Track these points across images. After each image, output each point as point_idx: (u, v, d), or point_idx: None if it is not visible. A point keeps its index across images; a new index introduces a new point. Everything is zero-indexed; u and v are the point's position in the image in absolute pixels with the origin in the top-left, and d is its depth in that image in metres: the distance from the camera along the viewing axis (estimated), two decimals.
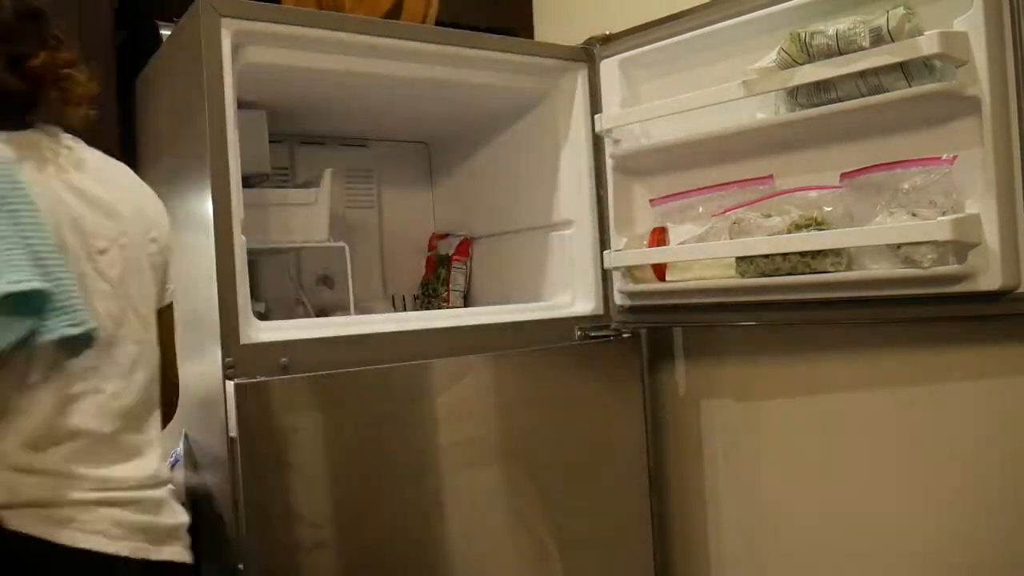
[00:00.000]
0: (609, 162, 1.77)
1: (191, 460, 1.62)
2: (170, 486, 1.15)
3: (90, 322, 0.94)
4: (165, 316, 1.22)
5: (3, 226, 0.89)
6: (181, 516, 1.14)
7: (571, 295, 1.84)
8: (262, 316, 1.52)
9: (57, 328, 0.90)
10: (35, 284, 0.87)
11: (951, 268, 1.27)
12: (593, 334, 1.78)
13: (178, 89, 1.54)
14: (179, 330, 1.62)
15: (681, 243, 1.67)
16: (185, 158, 1.50)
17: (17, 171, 0.96)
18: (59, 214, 1.01)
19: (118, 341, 1.07)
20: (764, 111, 1.53)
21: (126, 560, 1.00)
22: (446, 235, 2.21)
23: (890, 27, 1.29)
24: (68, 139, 1.11)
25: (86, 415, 1.01)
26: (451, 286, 2.11)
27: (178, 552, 1.11)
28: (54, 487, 0.97)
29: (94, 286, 1.04)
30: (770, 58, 1.44)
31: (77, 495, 0.98)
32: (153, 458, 1.11)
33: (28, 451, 0.96)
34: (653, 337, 1.94)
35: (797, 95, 1.46)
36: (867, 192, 1.40)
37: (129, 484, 1.05)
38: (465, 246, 2.15)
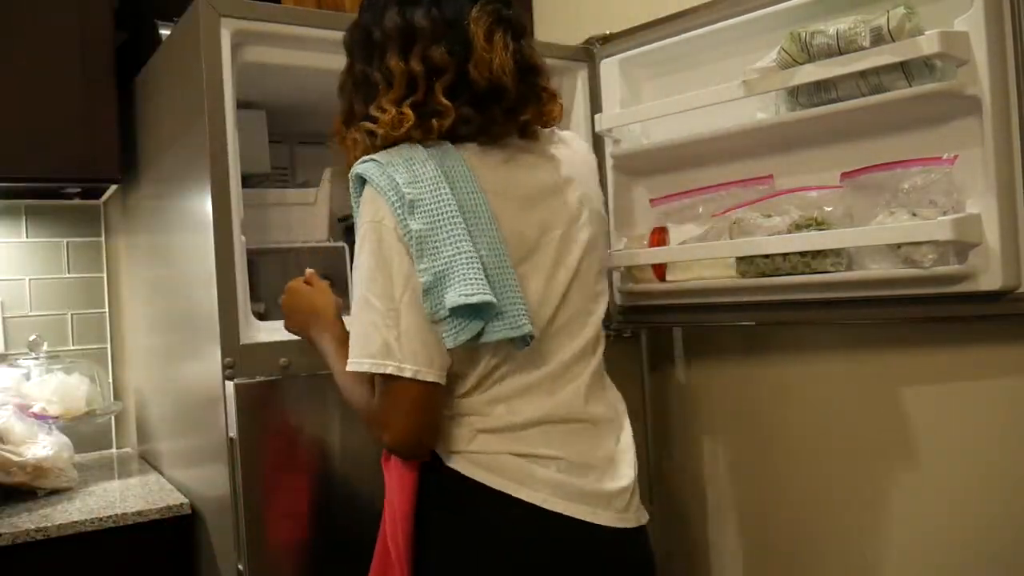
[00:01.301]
0: (609, 162, 1.77)
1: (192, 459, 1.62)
2: None
3: (526, 326, 1.08)
4: None
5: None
6: None
7: None
8: (262, 316, 1.52)
9: (498, 331, 1.07)
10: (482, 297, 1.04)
11: (952, 268, 1.26)
12: None
13: (178, 89, 1.54)
14: (179, 330, 1.62)
15: (681, 243, 1.67)
16: (185, 158, 1.50)
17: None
18: None
19: None
20: (764, 111, 1.53)
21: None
22: None
23: (890, 27, 1.29)
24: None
25: None
26: None
27: None
28: None
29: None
30: (770, 58, 1.44)
31: None
32: None
33: None
34: (653, 337, 1.94)
35: (797, 95, 1.46)
36: (867, 192, 1.40)
37: None
38: None
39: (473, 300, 1.03)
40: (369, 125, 1.12)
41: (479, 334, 1.06)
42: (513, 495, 1.08)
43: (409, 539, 1.12)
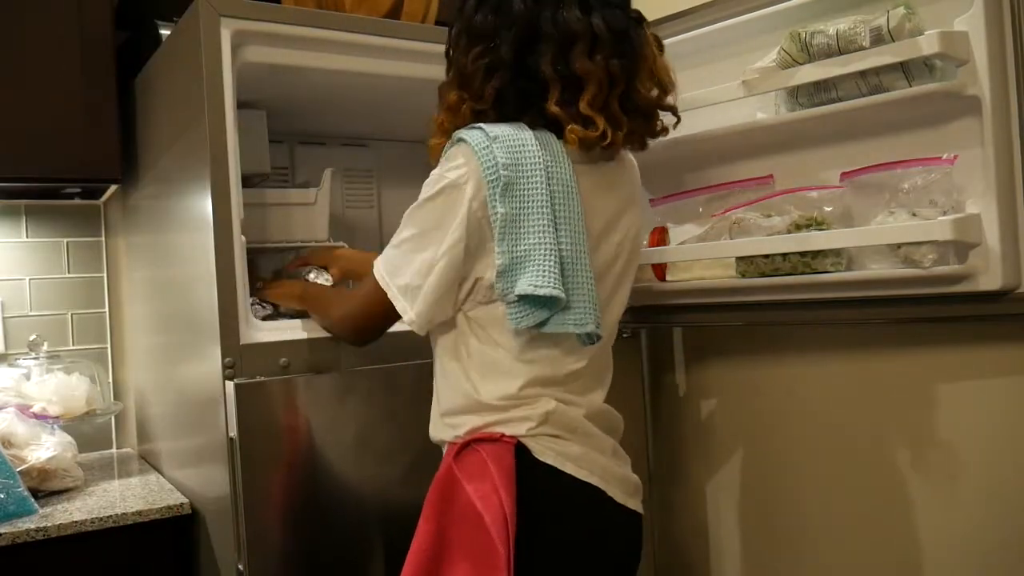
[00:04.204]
0: None
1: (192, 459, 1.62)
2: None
3: (591, 325, 1.12)
4: None
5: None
6: None
7: None
8: (269, 317, 1.52)
9: (562, 324, 1.11)
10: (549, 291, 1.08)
11: (951, 268, 1.26)
12: None
13: (178, 89, 1.54)
14: (179, 330, 1.62)
15: (681, 243, 1.67)
16: (185, 158, 1.50)
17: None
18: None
19: None
20: (764, 111, 1.53)
21: None
22: None
23: (890, 27, 1.29)
24: None
25: None
26: None
27: None
28: None
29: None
30: (770, 58, 1.44)
31: None
32: None
33: None
34: (653, 337, 1.94)
35: (797, 95, 1.46)
36: (867, 192, 1.40)
37: None
38: None
39: (540, 292, 1.07)
40: (579, 130, 1.12)
41: (543, 323, 1.10)
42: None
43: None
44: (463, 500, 1.11)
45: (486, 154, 1.09)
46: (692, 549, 1.90)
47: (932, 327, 1.45)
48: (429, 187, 1.14)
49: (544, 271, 1.08)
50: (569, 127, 1.12)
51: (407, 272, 1.15)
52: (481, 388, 1.16)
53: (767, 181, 1.57)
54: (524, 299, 1.09)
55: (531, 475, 1.12)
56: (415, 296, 1.14)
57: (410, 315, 1.15)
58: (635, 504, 1.22)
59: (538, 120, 1.14)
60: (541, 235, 1.09)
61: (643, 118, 1.18)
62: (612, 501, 1.17)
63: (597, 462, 1.17)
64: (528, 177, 1.10)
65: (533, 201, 1.09)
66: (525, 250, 1.09)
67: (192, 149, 1.44)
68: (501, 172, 1.09)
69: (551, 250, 1.09)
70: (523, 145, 1.11)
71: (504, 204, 1.09)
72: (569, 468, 1.14)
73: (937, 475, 1.47)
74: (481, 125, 1.13)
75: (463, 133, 1.13)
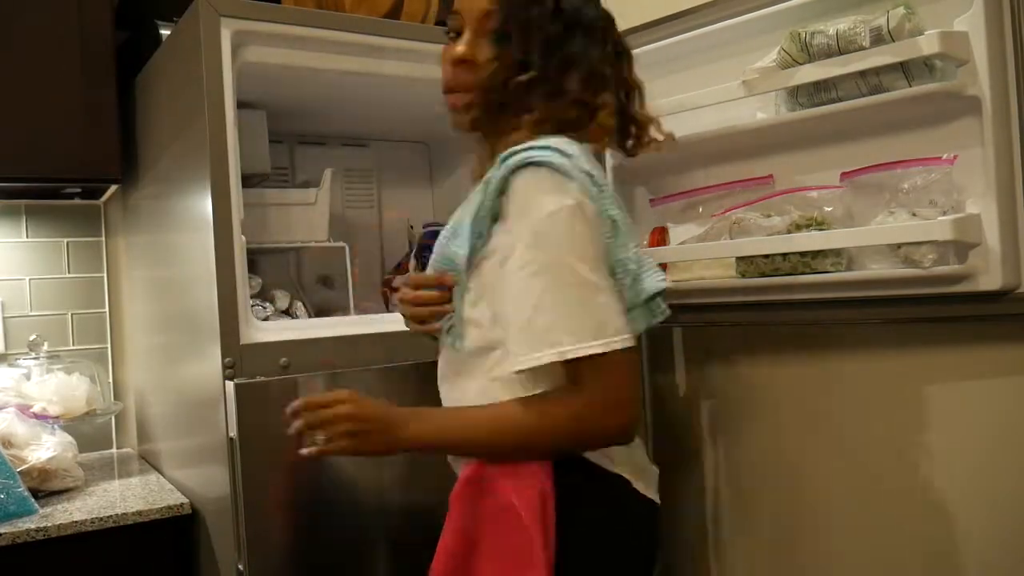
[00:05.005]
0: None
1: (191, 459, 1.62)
2: None
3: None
4: None
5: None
6: None
7: None
8: (269, 317, 1.53)
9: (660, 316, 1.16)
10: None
11: (951, 268, 1.26)
12: None
13: (178, 89, 1.54)
14: (179, 330, 1.63)
15: (681, 243, 1.67)
16: (185, 158, 1.50)
17: None
18: None
19: None
20: (764, 111, 1.53)
21: None
22: None
23: (890, 27, 1.29)
24: None
25: None
26: None
27: None
28: None
29: None
30: (770, 58, 1.44)
31: None
32: None
33: None
34: (653, 337, 1.94)
35: (797, 95, 1.46)
36: (867, 192, 1.40)
37: None
38: None
39: (663, 285, 1.11)
40: (605, 116, 1.18)
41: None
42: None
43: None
44: (498, 496, 1.07)
45: (575, 170, 1.06)
46: (691, 548, 1.90)
47: (932, 327, 1.45)
48: (543, 234, 1.03)
49: (654, 266, 1.13)
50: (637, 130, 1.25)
51: (591, 319, 1.03)
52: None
53: (767, 181, 1.57)
54: (649, 299, 1.12)
55: (563, 468, 1.09)
56: (607, 320, 1.03)
57: (624, 335, 1.05)
58: (654, 495, 1.20)
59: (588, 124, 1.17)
60: (635, 236, 1.13)
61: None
62: (636, 493, 1.15)
63: (622, 452, 1.14)
64: (607, 182, 1.14)
65: (620, 205, 1.12)
66: (635, 250, 1.11)
67: (192, 149, 1.45)
68: (599, 181, 1.09)
69: (640, 247, 1.13)
70: (587, 154, 1.13)
71: (613, 208, 1.09)
72: (598, 460, 1.12)
73: (936, 475, 1.47)
74: (549, 144, 1.07)
75: (543, 157, 1.05)
